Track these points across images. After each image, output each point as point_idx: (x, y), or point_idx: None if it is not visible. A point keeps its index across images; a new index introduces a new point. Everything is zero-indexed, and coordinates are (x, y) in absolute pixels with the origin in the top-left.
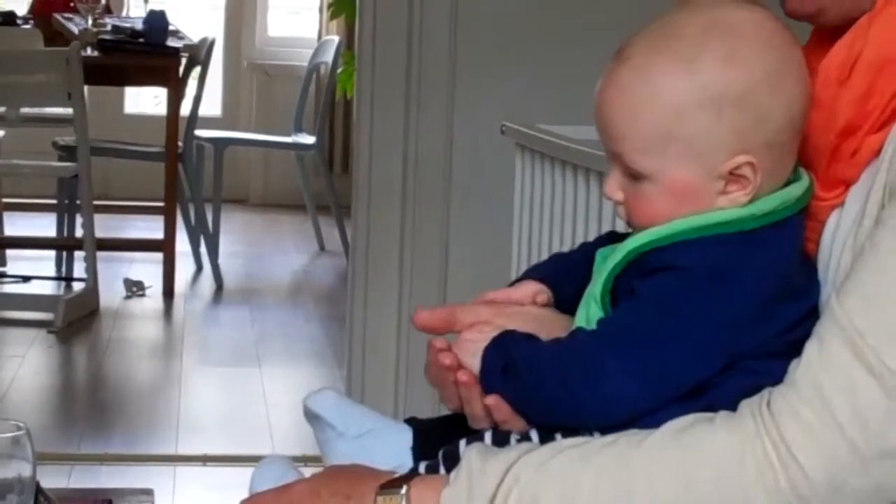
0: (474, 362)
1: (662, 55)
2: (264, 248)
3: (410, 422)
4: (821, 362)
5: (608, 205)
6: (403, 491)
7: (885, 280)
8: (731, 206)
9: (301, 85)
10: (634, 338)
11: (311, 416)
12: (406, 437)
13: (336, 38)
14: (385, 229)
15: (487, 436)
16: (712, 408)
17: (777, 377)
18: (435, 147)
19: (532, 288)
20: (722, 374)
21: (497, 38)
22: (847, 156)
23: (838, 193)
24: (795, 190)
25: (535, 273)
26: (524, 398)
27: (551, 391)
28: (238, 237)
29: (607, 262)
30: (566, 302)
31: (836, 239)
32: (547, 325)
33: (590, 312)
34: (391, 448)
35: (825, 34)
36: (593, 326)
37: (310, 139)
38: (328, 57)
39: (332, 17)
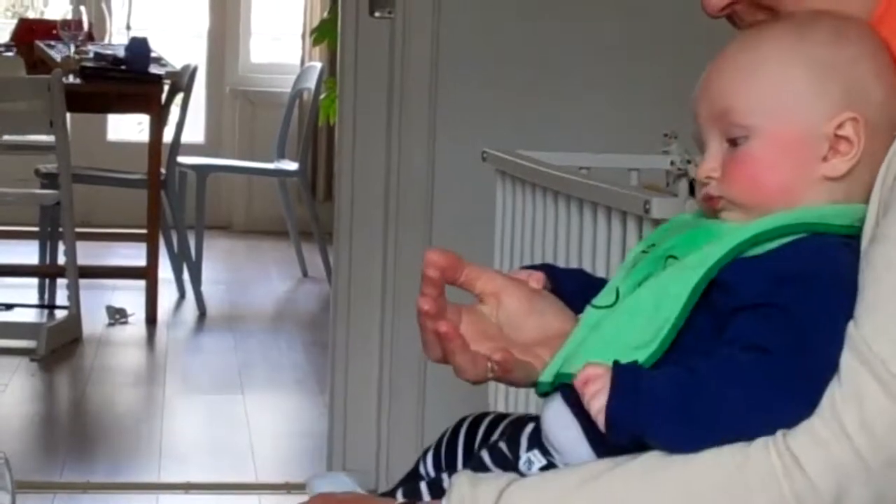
0: (597, 403)
1: (773, 30)
2: (247, 275)
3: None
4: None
5: (588, 231)
6: None
7: (884, 293)
8: (827, 174)
9: (284, 111)
10: (796, 365)
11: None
12: None
13: (318, 65)
14: (367, 256)
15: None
16: None
17: None
18: (417, 173)
19: (525, 272)
20: None
21: (478, 64)
22: None
23: None
24: None
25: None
26: (666, 424)
27: (707, 414)
28: (221, 264)
29: (709, 251)
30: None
31: None
32: (539, 303)
33: (668, 286)
34: None
35: None
36: (673, 305)
37: (293, 165)
38: (311, 83)
39: (315, 43)
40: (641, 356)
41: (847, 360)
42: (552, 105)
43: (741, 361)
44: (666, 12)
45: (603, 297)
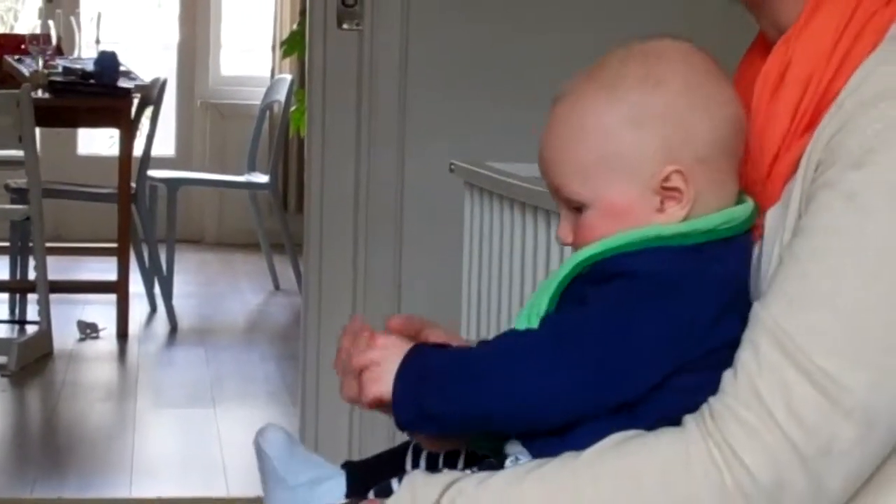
0: (374, 388)
1: (587, 86)
2: (219, 288)
3: (346, 466)
4: (754, 365)
5: (555, 242)
6: None
7: (807, 283)
8: (671, 223)
9: (254, 124)
10: (583, 334)
11: (259, 452)
12: (341, 488)
13: (289, 77)
14: (337, 268)
15: (422, 467)
16: (636, 426)
17: (707, 394)
18: (386, 186)
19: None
20: (649, 392)
21: (446, 76)
22: (775, 171)
23: (761, 220)
24: (740, 211)
25: None
26: (451, 401)
27: (490, 389)
28: (192, 277)
29: (554, 277)
30: None
31: (760, 265)
32: None
33: (531, 325)
34: (325, 500)
35: (758, 55)
36: None
37: (263, 178)
38: (281, 95)
39: (285, 55)
40: None
41: (768, 353)
42: (521, 116)
43: (523, 335)
44: (637, 22)
45: None
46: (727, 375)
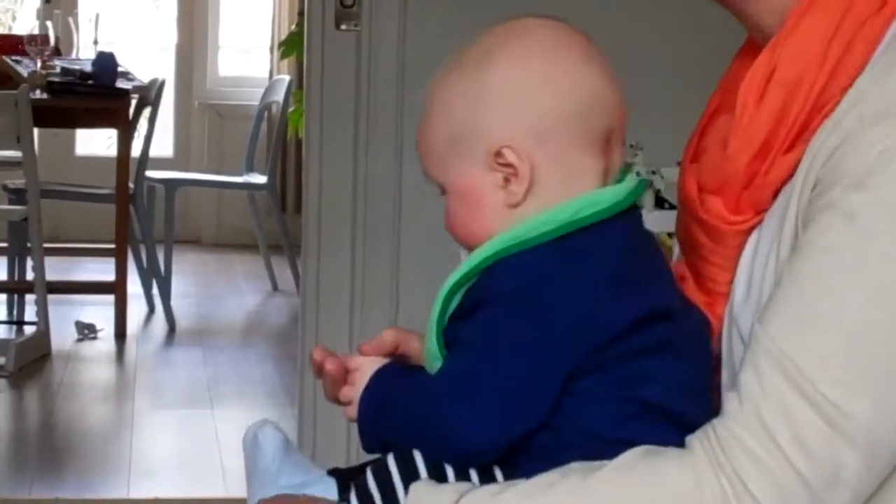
0: (351, 410)
1: (442, 71)
2: (217, 289)
3: (334, 473)
4: (757, 388)
5: None
6: None
7: (807, 304)
8: (509, 202)
9: (252, 124)
10: (472, 377)
11: (253, 444)
12: (330, 494)
13: (287, 78)
14: (336, 269)
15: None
16: (561, 440)
17: (615, 395)
18: (384, 186)
19: None
20: (560, 403)
21: None
22: (761, 178)
23: (748, 217)
24: (608, 194)
25: None
26: (404, 437)
27: (424, 435)
28: (190, 278)
29: (431, 316)
30: None
31: (755, 264)
32: None
33: (433, 368)
34: None
35: (750, 55)
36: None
37: (262, 179)
38: (279, 96)
39: (283, 56)
40: None
41: (770, 377)
42: None
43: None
44: (627, 27)
45: None
46: (731, 398)
